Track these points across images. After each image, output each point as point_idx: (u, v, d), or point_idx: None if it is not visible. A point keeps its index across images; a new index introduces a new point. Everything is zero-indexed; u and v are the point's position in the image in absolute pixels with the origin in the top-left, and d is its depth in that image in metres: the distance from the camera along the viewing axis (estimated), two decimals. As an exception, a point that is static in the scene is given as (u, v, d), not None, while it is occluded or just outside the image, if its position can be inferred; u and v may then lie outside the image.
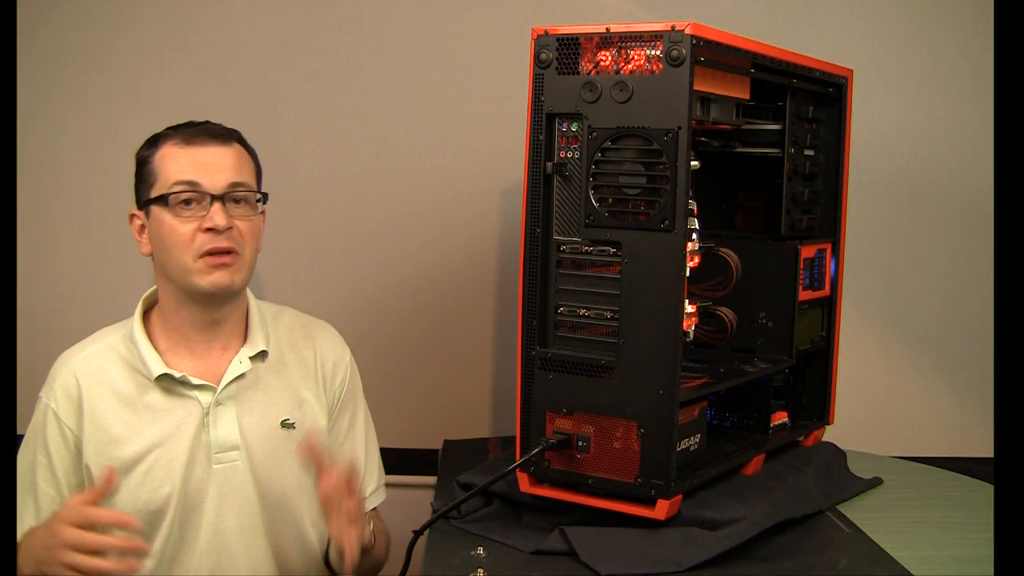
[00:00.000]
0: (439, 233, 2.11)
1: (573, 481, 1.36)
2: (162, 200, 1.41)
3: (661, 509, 1.30)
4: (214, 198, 1.41)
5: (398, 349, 2.13)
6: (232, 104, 2.05)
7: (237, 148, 1.47)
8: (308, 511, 1.50)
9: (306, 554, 1.52)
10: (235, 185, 1.44)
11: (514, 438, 1.41)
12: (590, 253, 1.34)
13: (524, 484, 1.41)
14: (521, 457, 1.38)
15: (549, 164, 1.35)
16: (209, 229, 1.40)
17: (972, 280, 2.11)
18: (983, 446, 2.12)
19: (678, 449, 1.32)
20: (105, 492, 1.28)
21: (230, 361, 1.48)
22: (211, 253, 1.41)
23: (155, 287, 1.51)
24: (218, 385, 1.46)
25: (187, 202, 1.41)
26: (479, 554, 1.33)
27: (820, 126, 1.67)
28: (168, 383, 1.44)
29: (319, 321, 1.62)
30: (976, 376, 2.12)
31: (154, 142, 1.46)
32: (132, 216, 1.48)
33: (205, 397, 1.45)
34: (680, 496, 1.34)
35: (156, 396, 1.44)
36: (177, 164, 1.42)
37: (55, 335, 2.09)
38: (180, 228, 1.41)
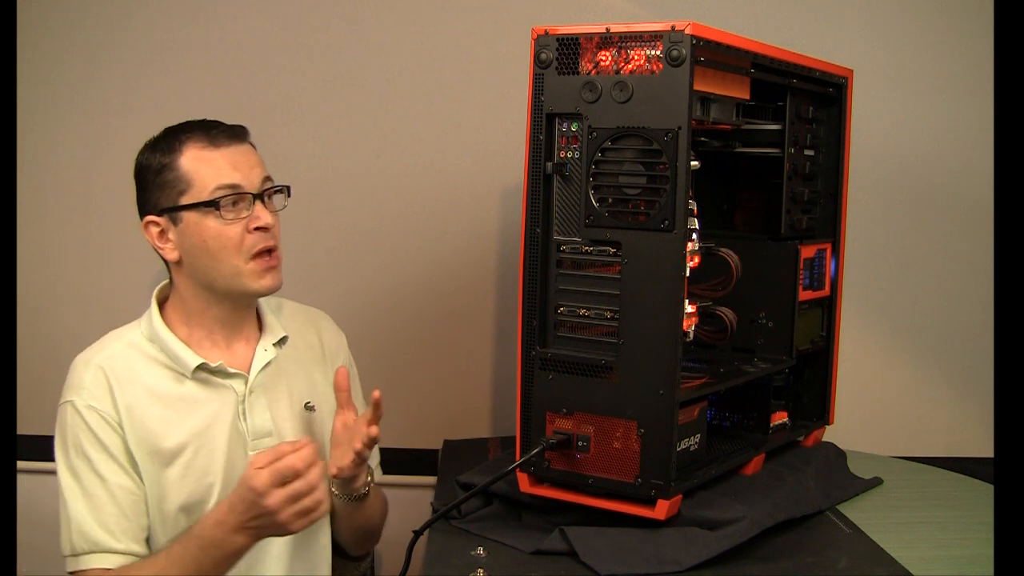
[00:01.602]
0: (439, 233, 2.11)
1: (573, 481, 1.36)
2: (210, 205, 1.40)
3: (661, 509, 1.30)
4: (255, 197, 1.42)
5: (398, 349, 2.13)
6: (232, 104, 2.05)
7: (250, 144, 1.48)
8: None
9: (329, 531, 1.56)
10: (267, 181, 1.46)
11: (514, 438, 1.41)
12: (590, 253, 1.34)
13: (524, 484, 1.41)
14: (521, 457, 1.38)
15: (549, 164, 1.35)
16: (258, 228, 1.42)
17: (972, 280, 2.11)
18: (983, 446, 2.12)
19: (678, 449, 1.32)
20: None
21: (253, 350, 1.50)
22: (261, 254, 1.42)
23: (163, 284, 1.51)
24: (248, 374, 1.48)
25: (233, 204, 1.41)
26: (479, 554, 1.33)
27: (820, 126, 1.67)
28: (203, 374, 1.45)
29: (315, 308, 1.66)
30: (976, 376, 2.12)
31: (170, 146, 1.43)
32: (148, 223, 1.44)
33: (239, 386, 1.47)
34: (680, 496, 1.34)
35: (190, 388, 1.45)
36: (214, 167, 1.41)
37: (54, 336, 2.10)
38: (229, 231, 1.41)
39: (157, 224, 1.44)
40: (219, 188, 1.40)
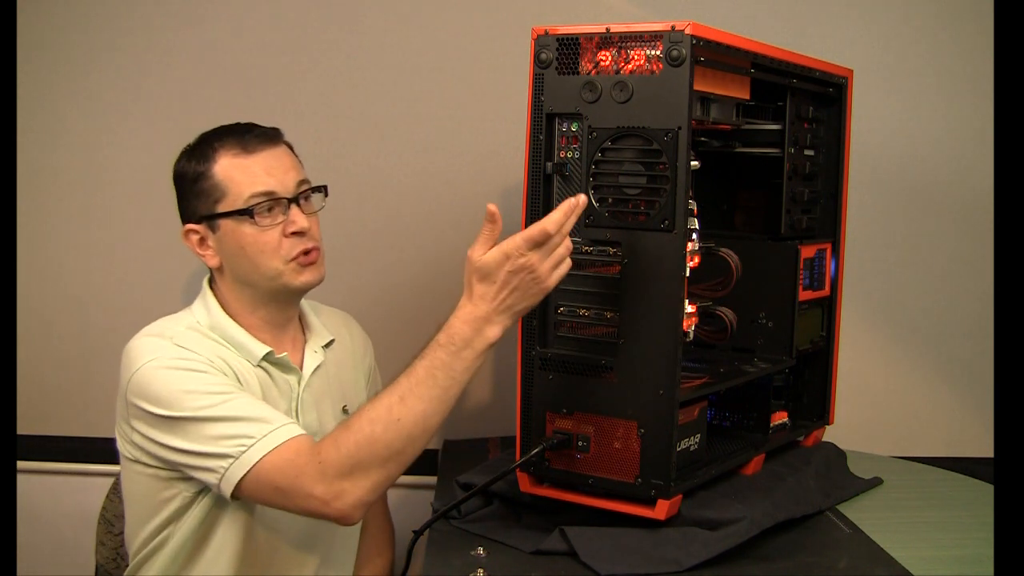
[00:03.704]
0: (439, 233, 2.11)
1: (573, 481, 1.36)
2: (245, 213, 1.41)
3: (661, 509, 1.30)
4: (290, 201, 1.43)
5: (398, 349, 2.11)
6: (232, 104, 2.05)
7: (285, 146, 1.50)
8: None
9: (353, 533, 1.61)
10: (302, 183, 1.47)
11: (514, 438, 1.41)
12: (590, 253, 1.34)
13: (524, 484, 1.41)
14: (521, 457, 1.38)
15: (549, 164, 1.35)
16: (294, 233, 1.43)
17: (972, 280, 2.11)
18: (983, 446, 2.12)
19: (678, 449, 1.32)
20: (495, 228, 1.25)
21: (300, 351, 1.53)
22: (300, 256, 1.44)
23: (207, 278, 1.52)
24: (302, 372, 1.51)
25: (268, 210, 1.42)
26: (479, 554, 1.33)
27: (820, 126, 1.67)
28: (267, 365, 1.47)
29: (342, 311, 1.71)
30: (976, 376, 2.12)
31: (205, 155, 1.44)
32: (188, 232, 1.47)
33: (295, 382, 1.50)
34: (680, 496, 1.34)
35: (258, 377, 1.46)
36: (248, 175, 1.42)
37: (54, 336, 2.10)
38: (265, 237, 1.42)
39: (196, 232, 1.46)
40: (253, 196, 1.42)
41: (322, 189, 1.51)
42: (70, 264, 2.11)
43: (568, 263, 1.26)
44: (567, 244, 1.25)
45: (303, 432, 1.33)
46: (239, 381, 1.41)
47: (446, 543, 1.37)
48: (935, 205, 2.12)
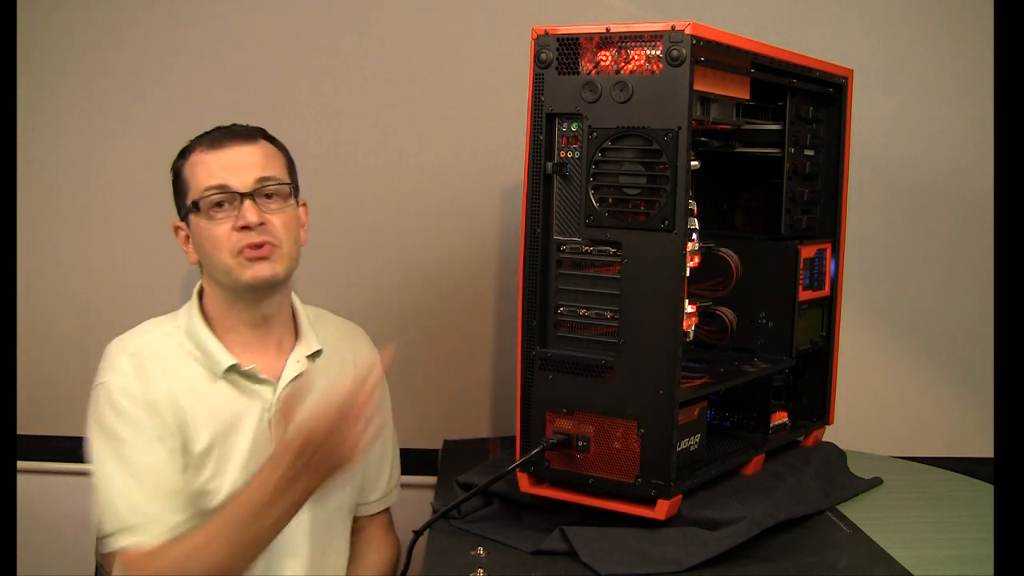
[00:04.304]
0: (439, 233, 2.11)
1: (573, 481, 1.36)
2: (195, 206, 1.43)
3: (661, 509, 1.30)
4: (243, 196, 1.42)
5: (398, 349, 2.12)
6: (232, 104, 2.05)
7: (263, 144, 1.49)
8: (348, 505, 1.57)
9: (343, 546, 1.58)
10: (263, 180, 1.45)
11: (514, 438, 1.41)
12: (590, 253, 1.34)
13: (524, 484, 1.41)
14: (521, 457, 1.38)
15: (549, 164, 1.35)
16: (243, 227, 1.42)
17: (972, 280, 2.11)
18: (983, 446, 2.12)
19: (678, 449, 1.32)
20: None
21: (286, 360, 1.50)
22: (247, 249, 1.42)
23: (199, 282, 1.52)
24: (279, 382, 1.48)
25: (219, 204, 1.42)
26: (479, 554, 1.33)
27: (820, 126, 1.67)
28: (234, 376, 1.45)
29: (352, 323, 1.67)
30: (976, 376, 2.12)
31: (184, 153, 1.48)
32: (176, 229, 1.50)
33: (268, 393, 1.47)
34: (680, 496, 1.34)
35: (221, 388, 1.45)
36: (206, 169, 1.44)
37: (54, 336, 2.10)
38: (216, 230, 1.42)
39: (181, 228, 1.49)
40: (206, 189, 1.43)
41: (291, 188, 1.49)
42: (70, 264, 2.11)
43: (375, 424, 1.31)
44: (369, 407, 1.29)
45: (149, 541, 1.34)
46: (178, 418, 1.40)
47: (446, 543, 1.37)
48: (935, 205, 2.12)
